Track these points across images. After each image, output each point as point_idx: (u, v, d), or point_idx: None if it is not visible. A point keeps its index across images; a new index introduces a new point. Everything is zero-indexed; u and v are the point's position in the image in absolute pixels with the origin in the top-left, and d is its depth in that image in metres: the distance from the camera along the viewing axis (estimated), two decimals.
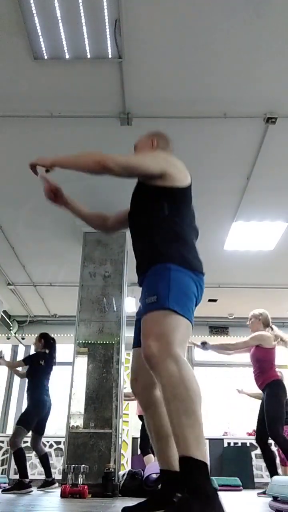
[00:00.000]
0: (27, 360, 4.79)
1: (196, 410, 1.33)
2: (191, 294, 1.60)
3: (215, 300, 6.71)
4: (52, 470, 4.73)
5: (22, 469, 4.16)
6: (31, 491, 4.03)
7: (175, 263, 1.59)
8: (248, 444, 6.58)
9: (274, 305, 7.17)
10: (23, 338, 7.52)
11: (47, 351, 4.67)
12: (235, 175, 4.02)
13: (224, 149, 3.72)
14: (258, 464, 6.51)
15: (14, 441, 4.18)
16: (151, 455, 4.82)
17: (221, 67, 2.98)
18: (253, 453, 6.48)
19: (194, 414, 1.32)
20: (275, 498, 2.11)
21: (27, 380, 4.65)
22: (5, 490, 4.05)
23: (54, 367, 4.74)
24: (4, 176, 4.13)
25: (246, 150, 3.72)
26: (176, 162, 1.80)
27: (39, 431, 4.49)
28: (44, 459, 4.47)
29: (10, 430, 6.95)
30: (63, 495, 3.12)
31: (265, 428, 3.72)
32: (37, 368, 4.56)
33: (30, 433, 4.46)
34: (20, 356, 7.77)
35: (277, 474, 3.77)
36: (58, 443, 6.47)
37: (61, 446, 6.21)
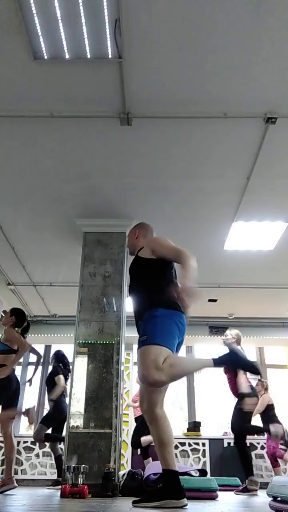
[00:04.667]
0: None
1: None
2: (174, 333, 2.25)
3: (215, 300, 6.70)
4: (52, 470, 4.80)
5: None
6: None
7: (162, 307, 2.26)
8: (248, 444, 6.57)
9: (274, 305, 7.19)
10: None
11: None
12: (235, 175, 4.02)
13: (224, 149, 3.72)
14: (258, 464, 6.52)
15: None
16: (150, 459, 4.90)
17: (221, 67, 2.98)
18: (253, 453, 6.47)
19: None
20: (275, 498, 2.10)
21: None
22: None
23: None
24: (4, 176, 4.13)
25: (246, 150, 3.71)
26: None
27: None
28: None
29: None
30: (63, 495, 3.11)
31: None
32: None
33: None
34: None
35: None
36: None
37: (61, 446, 6.20)
